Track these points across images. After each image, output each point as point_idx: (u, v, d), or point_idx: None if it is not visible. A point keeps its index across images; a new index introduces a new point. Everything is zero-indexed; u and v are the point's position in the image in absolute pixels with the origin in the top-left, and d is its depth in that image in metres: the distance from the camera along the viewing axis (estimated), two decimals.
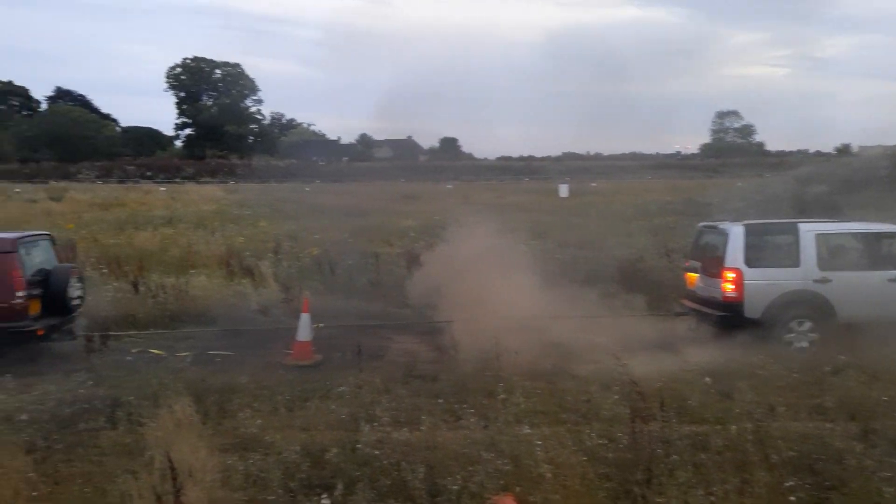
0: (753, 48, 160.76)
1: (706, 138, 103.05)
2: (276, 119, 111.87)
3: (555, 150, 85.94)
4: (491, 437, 6.42)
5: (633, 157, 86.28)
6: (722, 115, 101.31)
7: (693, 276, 11.73)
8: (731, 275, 10.53)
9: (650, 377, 7.86)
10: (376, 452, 6.04)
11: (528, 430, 6.40)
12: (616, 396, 7.38)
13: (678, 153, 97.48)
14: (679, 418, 6.96)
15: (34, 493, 5.37)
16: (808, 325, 10.43)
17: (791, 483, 5.55)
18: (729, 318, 10.61)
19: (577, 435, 6.43)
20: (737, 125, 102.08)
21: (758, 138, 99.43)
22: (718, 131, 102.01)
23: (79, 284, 11.23)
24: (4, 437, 6.18)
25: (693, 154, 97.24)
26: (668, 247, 16.04)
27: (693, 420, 7.09)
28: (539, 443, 5.99)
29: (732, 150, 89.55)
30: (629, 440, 6.07)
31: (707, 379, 7.97)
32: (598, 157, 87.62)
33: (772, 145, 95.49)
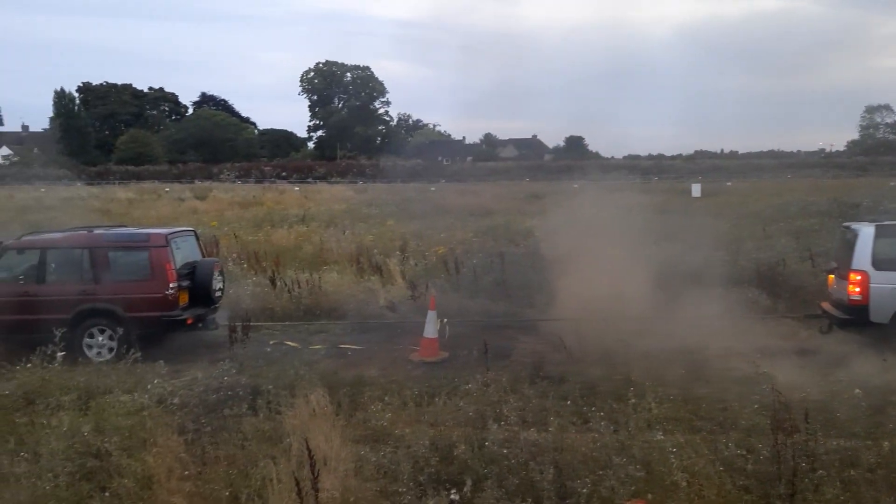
0: None
1: (854, 134, 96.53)
2: (403, 120, 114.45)
3: (686, 149, 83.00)
4: (621, 441, 6.27)
5: (772, 154, 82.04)
6: (872, 110, 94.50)
7: (832, 278, 11.27)
8: (856, 277, 10.06)
9: (792, 386, 7.42)
10: (504, 451, 6.03)
11: (661, 437, 6.20)
12: (755, 405, 7.03)
13: (822, 151, 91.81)
14: (825, 431, 6.53)
15: (185, 473, 5.73)
16: None
17: None
18: (853, 321, 10.20)
19: (714, 444, 6.18)
20: (889, 120, 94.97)
21: None
22: (868, 127, 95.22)
23: (220, 277, 11.91)
24: (159, 418, 6.63)
25: (838, 151, 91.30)
26: (811, 250, 15.09)
27: (841, 434, 6.66)
28: (673, 450, 5.80)
29: (884, 147, 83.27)
30: (770, 452, 5.76)
31: (857, 391, 7.43)
32: (733, 155, 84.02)
33: None
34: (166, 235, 11.06)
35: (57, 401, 7.44)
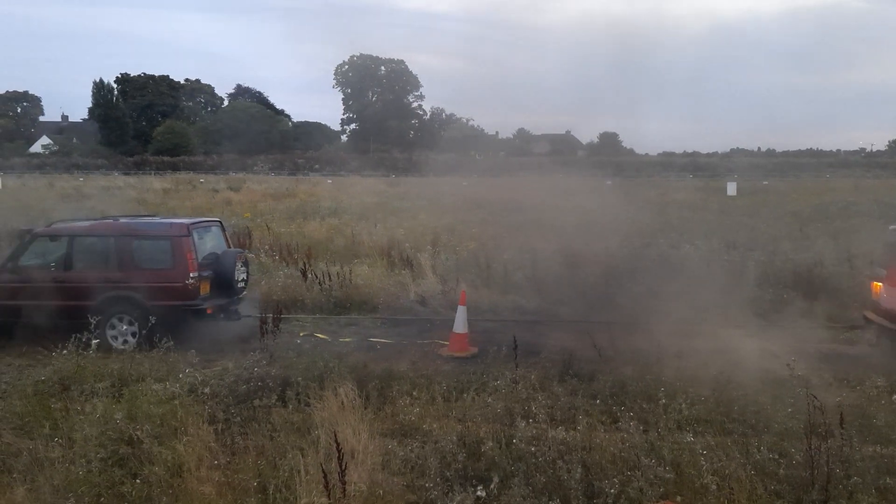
0: None
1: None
2: (437, 114, 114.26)
3: (722, 146, 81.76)
4: (651, 442, 6.21)
5: (811, 153, 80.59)
6: None
7: (878, 286, 10.44)
8: None
9: (828, 390, 7.29)
10: (532, 449, 5.99)
11: (691, 438, 6.12)
12: (789, 409, 6.90)
13: (862, 150, 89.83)
14: (861, 437, 6.41)
15: (215, 462, 5.80)
16: None
17: None
18: None
19: (745, 447, 6.09)
20: None
21: None
22: None
23: (244, 268, 11.99)
24: (190, 407, 6.70)
25: (880, 151, 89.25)
26: (850, 252, 14.76)
27: (878, 440, 6.52)
28: (703, 452, 5.73)
29: None
30: (804, 457, 5.65)
31: (895, 397, 7.26)
32: (770, 153, 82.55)
33: None
34: (188, 225, 11.17)
35: (91, 387, 7.57)
